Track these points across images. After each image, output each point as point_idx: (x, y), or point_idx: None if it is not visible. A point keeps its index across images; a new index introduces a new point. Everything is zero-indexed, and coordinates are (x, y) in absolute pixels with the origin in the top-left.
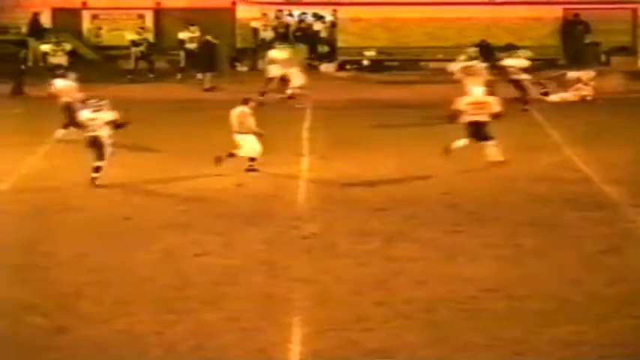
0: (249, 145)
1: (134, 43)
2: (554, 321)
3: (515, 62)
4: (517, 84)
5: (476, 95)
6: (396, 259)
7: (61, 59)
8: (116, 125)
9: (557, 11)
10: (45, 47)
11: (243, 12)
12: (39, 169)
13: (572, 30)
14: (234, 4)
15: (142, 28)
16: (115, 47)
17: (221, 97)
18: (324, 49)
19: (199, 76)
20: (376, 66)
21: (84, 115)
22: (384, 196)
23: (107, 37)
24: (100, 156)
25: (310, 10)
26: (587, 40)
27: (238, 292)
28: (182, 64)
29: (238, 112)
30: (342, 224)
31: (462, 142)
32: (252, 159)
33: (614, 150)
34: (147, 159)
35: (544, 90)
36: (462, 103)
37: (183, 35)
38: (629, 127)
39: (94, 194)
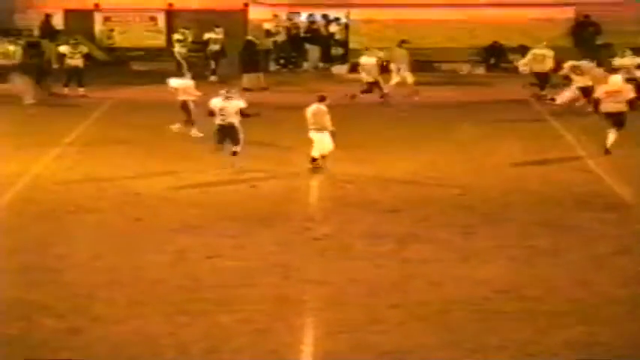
0: (323, 143)
1: (180, 41)
2: (567, 322)
3: (628, 61)
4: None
5: (613, 83)
6: (409, 260)
7: (78, 61)
8: (245, 114)
9: (568, 12)
10: (63, 49)
11: (255, 14)
12: (51, 171)
13: (584, 31)
14: (246, 5)
15: (186, 28)
16: (127, 49)
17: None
18: (338, 51)
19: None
20: (388, 68)
21: (215, 103)
22: (396, 197)
23: (119, 39)
24: (236, 141)
25: (319, 12)
26: (598, 42)
27: (251, 294)
28: (212, 65)
29: (314, 109)
30: (355, 226)
31: (611, 136)
32: (322, 156)
33: (627, 151)
34: (158, 161)
35: (550, 96)
36: (599, 92)
37: (208, 36)
38: None
39: (105, 196)
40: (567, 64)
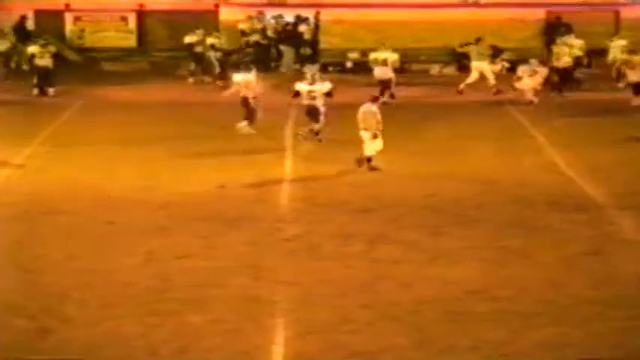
0: (371, 143)
1: (214, 48)
2: (539, 323)
3: None
4: None
5: None
6: (380, 261)
7: (48, 61)
8: (328, 94)
9: (539, 13)
10: (32, 49)
11: (226, 14)
12: (22, 172)
13: (555, 32)
14: (217, 6)
15: (218, 30)
16: (97, 49)
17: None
18: (306, 51)
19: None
20: (359, 68)
21: (303, 86)
22: (367, 198)
23: (90, 39)
24: (317, 120)
25: (288, 13)
26: None
27: (222, 295)
28: (192, 67)
29: (365, 108)
30: (325, 226)
31: None
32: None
33: (598, 152)
34: (128, 161)
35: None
36: None
37: (189, 39)
38: (612, 129)
39: (76, 197)
40: (620, 58)
